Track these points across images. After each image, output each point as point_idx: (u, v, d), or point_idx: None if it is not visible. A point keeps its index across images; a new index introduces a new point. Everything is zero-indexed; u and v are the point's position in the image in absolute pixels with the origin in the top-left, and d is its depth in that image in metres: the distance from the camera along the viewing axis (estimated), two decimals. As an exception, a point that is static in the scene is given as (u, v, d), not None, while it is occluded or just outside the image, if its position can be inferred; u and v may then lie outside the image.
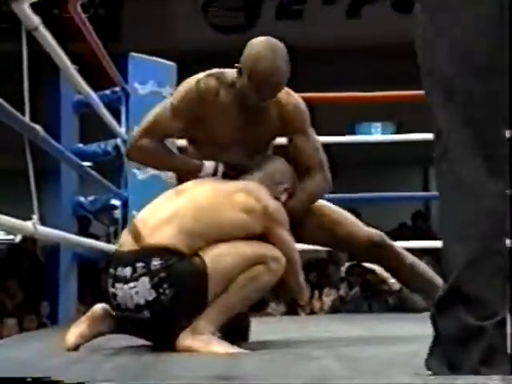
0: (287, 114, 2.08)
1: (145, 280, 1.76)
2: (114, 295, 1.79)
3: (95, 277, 4.85)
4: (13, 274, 5.50)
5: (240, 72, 1.97)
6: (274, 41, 1.99)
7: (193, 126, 2.04)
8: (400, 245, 4.10)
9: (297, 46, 6.02)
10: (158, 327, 1.80)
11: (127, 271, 1.78)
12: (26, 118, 2.11)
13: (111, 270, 1.82)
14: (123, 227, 3.19)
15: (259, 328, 2.81)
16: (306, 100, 3.91)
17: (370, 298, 3.65)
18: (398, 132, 4.13)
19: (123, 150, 3.20)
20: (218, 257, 1.79)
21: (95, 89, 3.06)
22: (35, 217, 2.11)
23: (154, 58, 3.23)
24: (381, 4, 6.03)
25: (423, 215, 7.66)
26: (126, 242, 1.84)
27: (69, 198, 3.16)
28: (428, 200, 7.97)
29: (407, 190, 6.37)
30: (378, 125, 4.46)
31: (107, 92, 3.24)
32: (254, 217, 1.87)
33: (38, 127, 2.16)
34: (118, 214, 3.23)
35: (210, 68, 2.19)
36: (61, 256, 3.13)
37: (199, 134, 2.06)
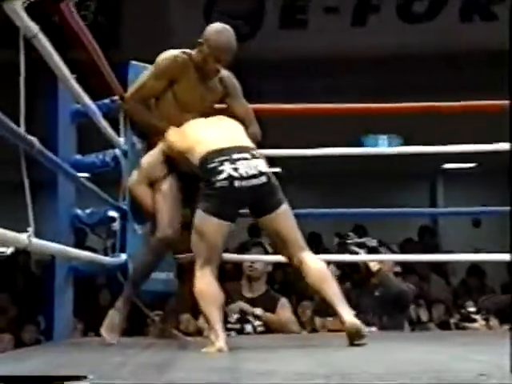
0: (227, 83, 2.88)
1: (261, 160, 2.54)
2: (235, 169, 2.46)
3: (93, 292, 4.74)
4: (5, 288, 5.40)
5: (201, 45, 2.72)
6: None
7: (166, 87, 2.79)
8: (406, 258, 4.04)
9: (301, 56, 5.99)
10: (266, 190, 2.51)
11: (247, 155, 2.51)
12: (22, 130, 2.02)
13: (221, 158, 2.48)
14: (122, 240, 3.10)
15: (256, 344, 2.71)
16: (310, 111, 3.81)
17: (359, 291, 3.67)
18: (405, 145, 4.06)
19: (122, 160, 3.12)
20: None
21: (94, 98, 2.98)
22: (30, 229, 2.03)
23: (154, 66, 3.13)
24: (386, 13, 5.95)
25: (430, 230, 7.53)
26: (213, 143, 2.56)
27: (66, 210, 3.06)
28: (435, 215, 7.84)
29: (414, 204, 6.27)
30: (385, 137, 4.36)
31: (106, 101, 3.15)
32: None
33: (33, 139, 2.08)
34: (116, 226, 3.14)
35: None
36: (56, 270, 3.03)
37: (169, 95, 2.79)
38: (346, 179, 7.81)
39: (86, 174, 3.24)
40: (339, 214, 4.12)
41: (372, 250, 3.77)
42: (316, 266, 2.54)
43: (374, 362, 1.94)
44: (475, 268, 6.30)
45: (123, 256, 3.08)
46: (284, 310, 3.74)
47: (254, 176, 2.48)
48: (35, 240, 2.05)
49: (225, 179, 2.46)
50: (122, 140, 3.13)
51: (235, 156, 2.50)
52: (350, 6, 5.95)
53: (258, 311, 3.65)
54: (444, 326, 4.64)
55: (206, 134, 2.65)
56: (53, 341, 3.01)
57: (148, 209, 2.78)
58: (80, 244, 3.07)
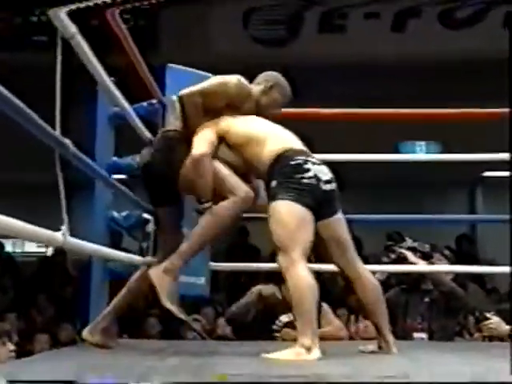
0: None
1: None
2: (318, 171, 2.48)
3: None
4: (43, 288, 5.45)
5: (270, 89, 2.71)
6: None
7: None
8: (445, 269, 3.97)
9: (340, 61, 5.92)
10: (333, 196, 2.50)
11: (316, 159, 2.52)
12: (57, 132, 2.04)
13: (303, 157, 2.50)
14: (155, 242, 3.10)
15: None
16: (348, 116, 3.77)
17: (409, 296, 3.58)
18: (443, 152, 3.99)
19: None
20: None
21: (132, 101, 3.00)
22: (64, 227, 2.04)
23: (192, 70, 3.14)
24: (427, 19, 5.88)
25: (468, 238, 7.42)
26: (292, 144, 2.56)
27: (102, 212, 3.08)
28: (474, 223, 7.69)
29: (452, 213, 6.19)
30: (422, 143, 4.30)
31: (144, 104, 3.16)
32: None
33: (68, 142, 2.09)
34: (150, 227, 3.15)
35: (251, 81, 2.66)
36: (93, 271, 3.05)
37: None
38: (383, 186, 7.74)
39: (122, 176, 3.26)
40: (375, 220, 4.09)
41: (425, 255, 3.67)
42: (373, 284, 2.53)
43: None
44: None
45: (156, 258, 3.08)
46: (329, 319, 3.63)
47: (329, 181, 2.50)
48: (70, 238, 2.07)
49: (312, 177, 2.45)
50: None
51: (313, 159, 2.52)
52: (390, 12, 5.89)
53: None
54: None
55: (277, 131, 2.61)
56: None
57: (208, 184, 2.50)
58: (116, 246, 3.07)
